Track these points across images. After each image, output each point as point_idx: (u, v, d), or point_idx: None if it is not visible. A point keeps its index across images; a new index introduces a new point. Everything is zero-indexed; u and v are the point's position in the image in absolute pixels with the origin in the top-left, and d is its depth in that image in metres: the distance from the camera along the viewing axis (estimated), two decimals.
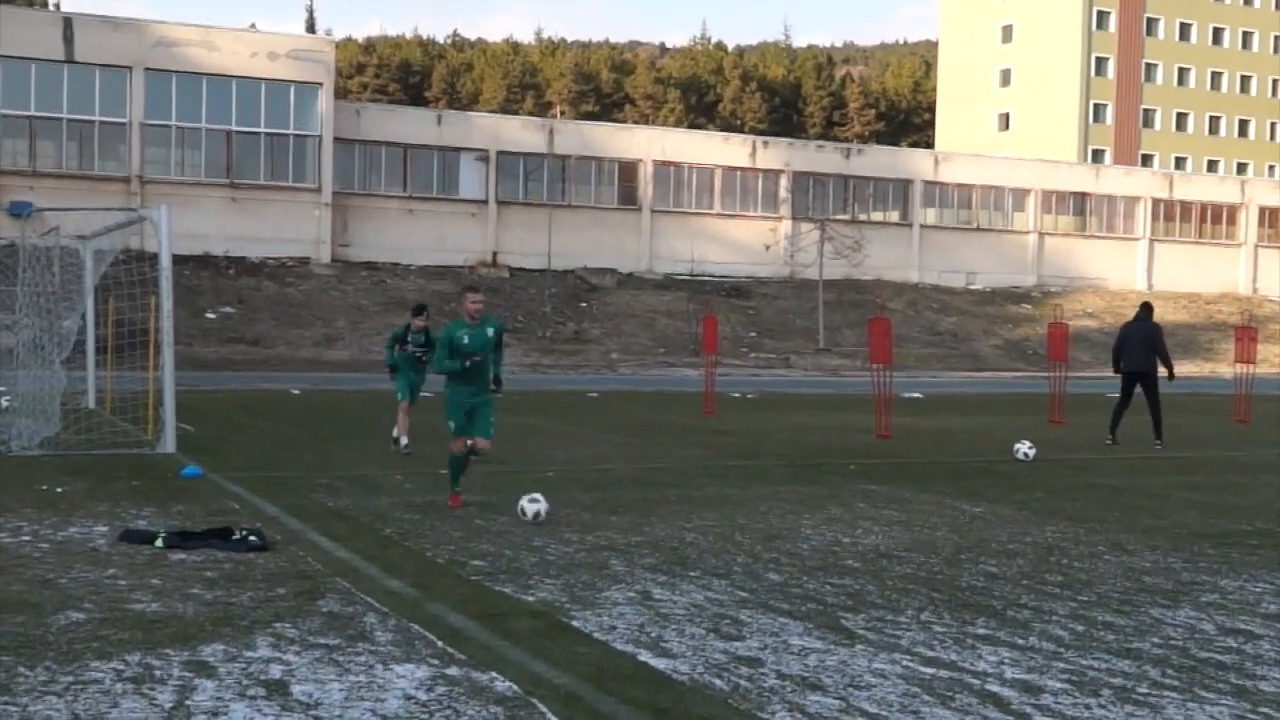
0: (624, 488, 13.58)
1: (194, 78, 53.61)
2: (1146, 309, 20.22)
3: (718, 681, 6.29)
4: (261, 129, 54.92)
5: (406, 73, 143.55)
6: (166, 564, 8.93)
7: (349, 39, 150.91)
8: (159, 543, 9.47)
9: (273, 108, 54.98)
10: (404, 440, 16.36)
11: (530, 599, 8.05)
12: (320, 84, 55.59)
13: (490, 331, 11.58)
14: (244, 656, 6.56)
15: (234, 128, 54.56)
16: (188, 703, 5.77)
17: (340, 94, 73.61)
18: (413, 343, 16.58)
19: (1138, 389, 19.87)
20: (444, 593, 8.19)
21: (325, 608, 7.68)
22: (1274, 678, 6.60)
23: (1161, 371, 19.82)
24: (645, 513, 11.76)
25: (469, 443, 11.67)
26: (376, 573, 8.78)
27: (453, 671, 6.35)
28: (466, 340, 11.45)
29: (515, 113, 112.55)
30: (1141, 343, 19.62)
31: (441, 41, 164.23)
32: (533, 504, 10.95)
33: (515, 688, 6.07)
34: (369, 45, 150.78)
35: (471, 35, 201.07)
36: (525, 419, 23.13)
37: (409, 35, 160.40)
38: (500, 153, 59.46)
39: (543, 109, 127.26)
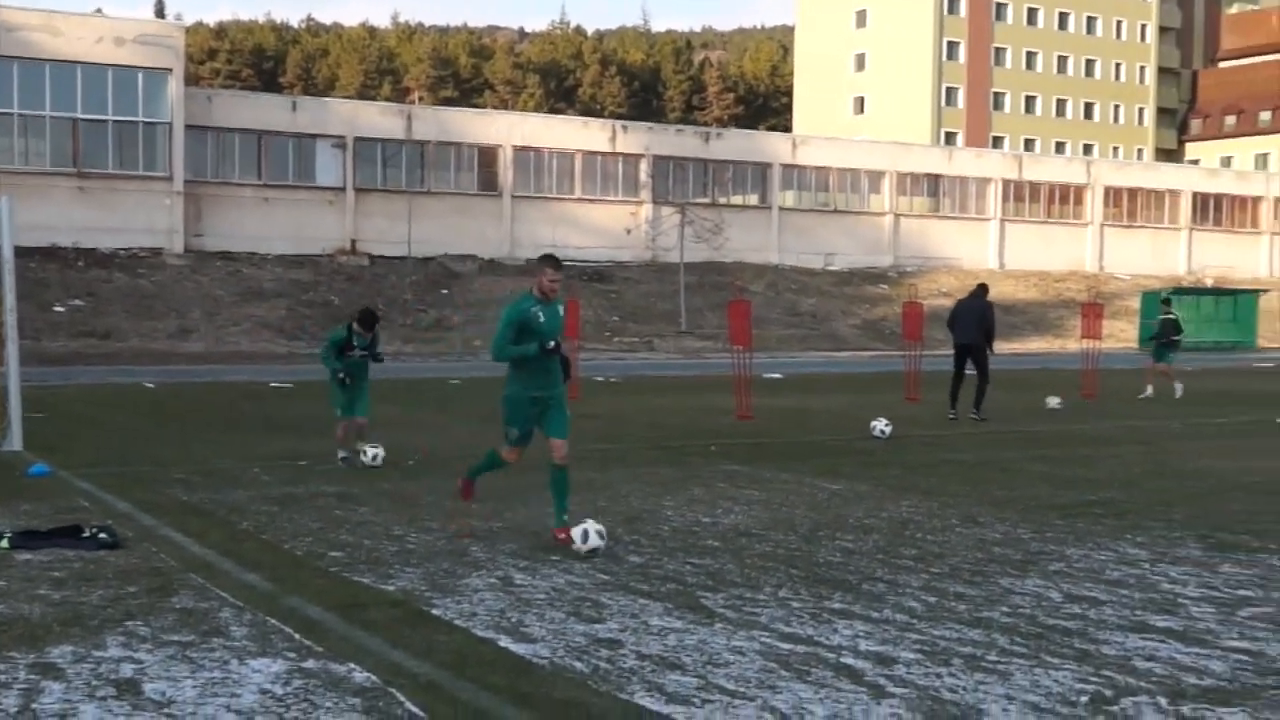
0: (485, 474, 13.50)
1: (37, 64, 51.98)
2: (982, 288, 21.21)
3: (578, 664, 6.32)
4: (109, 116, 53.48)
5: (260, 58, 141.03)
6: (12, 565, 8.68)
7: (199, 24, 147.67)
8: (4, 543, 9.20)
9: (120, 95, 53.54)
10: (342, 453, 14.32)
11: (390, 588, 8.00)
12: (170, 70, 54.28)
13: (560, 312, 9.68)
14: (93, 656, 6.42)
15: (80, 115, 53.02)
16: (34, 706, 5.63)
17: (191, 80, 71.95)
18: (359, 346, 14.23)
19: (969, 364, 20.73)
20: (301, 585, 8.09)
21: (179, 604, 7.54)
22: (1116, 642, 6.82)
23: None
24: (507, 498, 11.74)
25: (544, 448, 9.66)
26: (232, 567, 8.64)
27: (310, 664, 6.29)
28: (543, 319, 9.41)
29: (373, 98, 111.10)
30: (972, 319, 20.47)
31: (296, 26, 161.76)
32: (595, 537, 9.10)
33: (374, 678, 6.03)
34: (220, 30, 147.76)
35: (326, 20, 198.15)
36: (386, 408, 22.89)
37: (262, 20, 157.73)
38: (358, 139, 58.70)
39: (401, 95, 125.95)
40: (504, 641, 6.74)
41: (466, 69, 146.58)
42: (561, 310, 9.71)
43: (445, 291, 56.21)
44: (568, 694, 5.82)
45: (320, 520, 10.53)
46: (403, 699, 5.72)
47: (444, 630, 6.98)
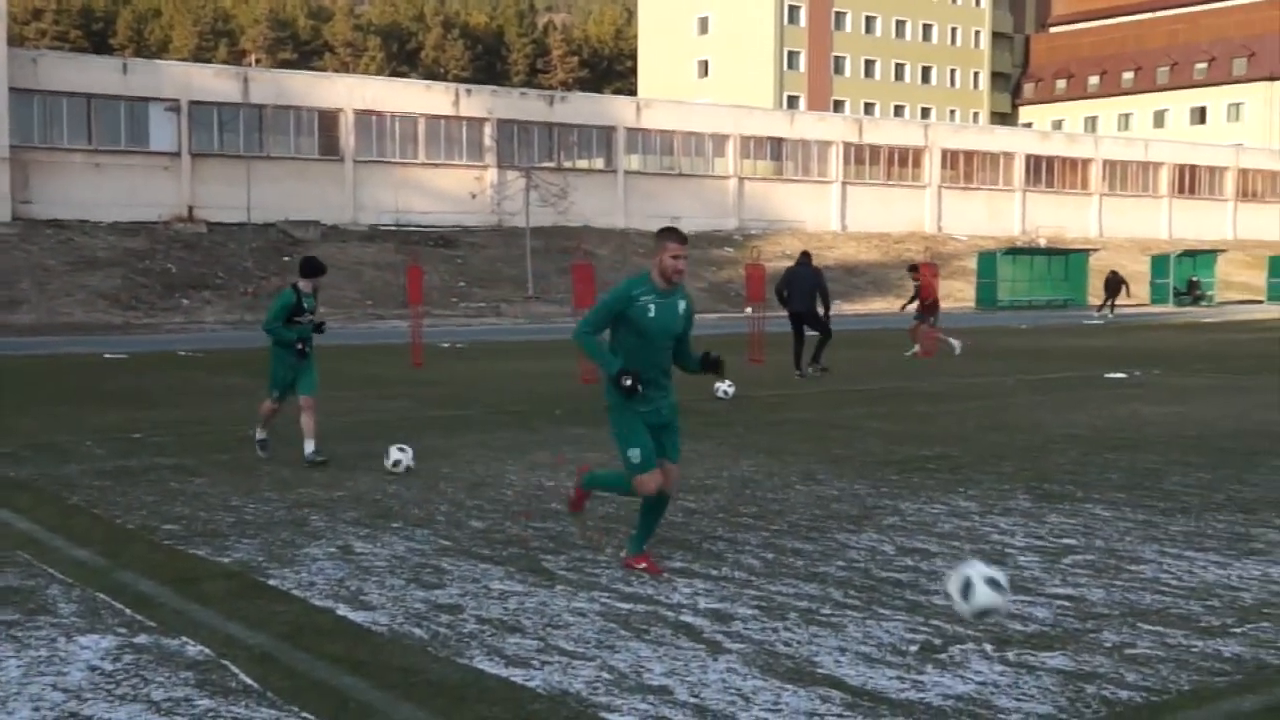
0: (328, 442, 13.31)
1: None
2: (807, 256, 22.00)
3: (417, 630, 6.30)
4: None
5: (89, 19, 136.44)
6: None
7: None
8: None
9: None
10: (261, 434, 12.54)
11: (226, 560, 7.87)
12: None
13: (682, 307, 7.34)
14: None
15: None
16: None
17: (15, 41, 69.32)
18: (309, 308, 12.11)
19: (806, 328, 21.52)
20: (134, 559, 7.91)
21: (3, 582, 7.32)
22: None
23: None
24: (349, 467, 11.62)
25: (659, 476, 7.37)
26: (62, 543, 8.41)
27: (141, 639, 6.16)
28: (653, 313, 7.16)
29: (208, 61, 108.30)
30: (805, 287, 21.26)
31: None
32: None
33: (207, 651, 5.93)
34: None
35: None
36: (226, 378, 22.48)
37: None
38: (193, 103, 57.16)
39: (237, 57, 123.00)
40: (342, 610, 6.69)
41: (305, 31, 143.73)
42: (683, 305, 7.34)
43: (287, 258, 55.17)
44: (406, 660, 5.80)
45: (155, 493, 10.30)
46: (237, 670, 5.64)
47: (281, 601, 6.89)
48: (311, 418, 11.90)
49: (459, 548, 8.19)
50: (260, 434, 12.41)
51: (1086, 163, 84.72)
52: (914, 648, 5.99)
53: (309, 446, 11.77)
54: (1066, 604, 6.77)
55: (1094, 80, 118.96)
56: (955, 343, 26.58)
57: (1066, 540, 8.32)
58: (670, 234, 7.30)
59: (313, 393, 12.03)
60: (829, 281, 22.46)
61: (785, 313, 21.66)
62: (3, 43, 52.81)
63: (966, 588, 5.76)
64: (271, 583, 7.29)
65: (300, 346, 11.96)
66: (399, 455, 11.04)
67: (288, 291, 12.09)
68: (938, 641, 6.08)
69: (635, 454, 7.28)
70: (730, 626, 6.35)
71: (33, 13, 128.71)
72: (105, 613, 6.65)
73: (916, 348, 26.51)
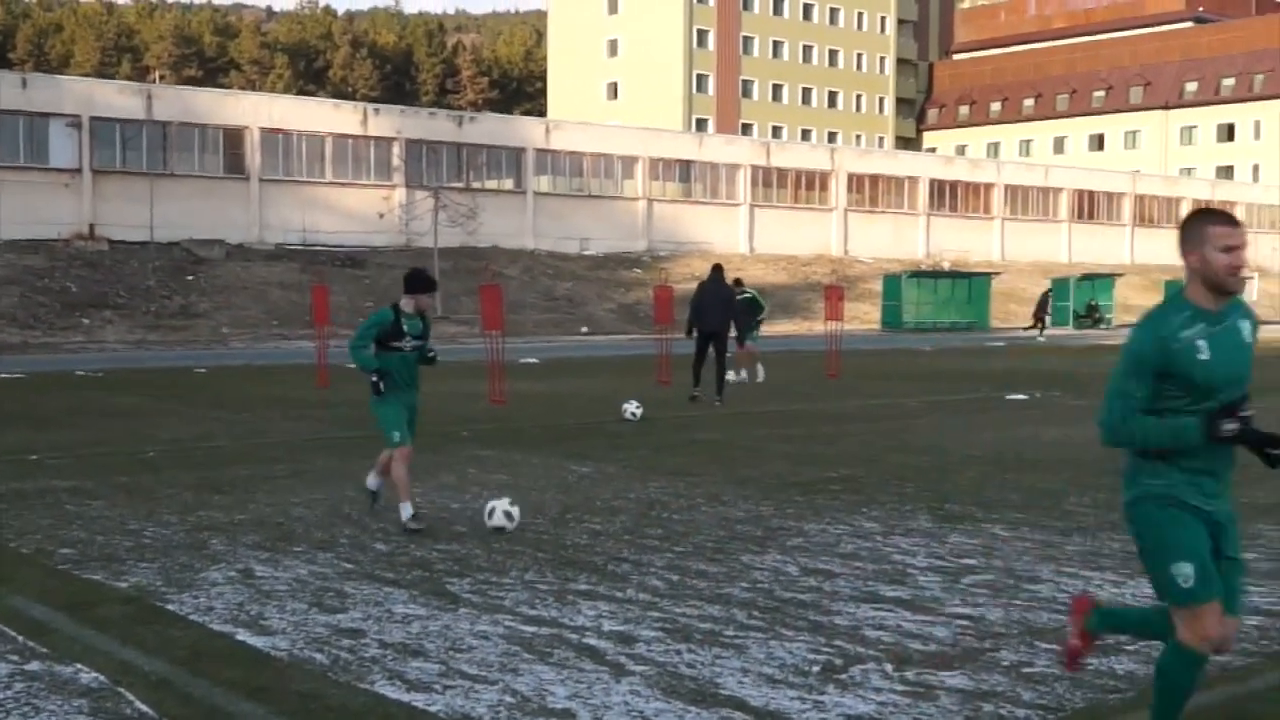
0: (229, 465, 13.19)
1: None
2: (718, 270, 21.26)
3: (318, 655, 6.23)
4: None
5: None
6: None
7: None
8: None
9: None
10: (374, 482, 10.22)
11: (123, 585, 7.73)
12: None
13: (1246, 329, 4.58)
14: None
15: None
16: None
17: None
18: (410, 333, 9.71)
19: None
20: (27, 584, 7.75)
21: None
22: (848, 612, 7.08)
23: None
24: (251, 490, 11.47)
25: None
26: None
27: (34, 666, 6.03)
28: (1207, 355, 4.45)
29: (111, 77, 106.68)
30: (717, 304, 20.41)
31: (26, 0, 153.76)
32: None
33: (102, 678, 5.82)
34: None
35: None
36: (125, 399, 22.10)
37: None
38: (94, 119, 56.20)
39: (141, 74, 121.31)
40: (242, 635, 6.60)
41: (211, 48, 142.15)
42: (1248, 326, 4.61)
43: (191, 277, 54.43)
44: (306, 686, 5.74)
45: (50, 516, 10.09)
46: (132, 698, 5.54)
47: (179, 626, 6.79)
48: (404, 469, 9.64)
49: (362, 571, 8.12)
50: (373, 481, 10.17)
51: (989, 187, 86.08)
52: (816, 668, 6.04)
53: (405, 511, 9.48)
54: (966, 623, 6.86)
55: (996, 106, 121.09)
56: (761, 369, 25.31)
57: (966, 560, 8.43)
58: (1211, 217, 4.53)
59: (409, 440, 9.74)
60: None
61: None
62: None
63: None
64: (170, 607, 7.17)
65: (377, 380, 9.59)
66: (503, 520, 9.24)
67: (385, 310, 9.83)
68: (839, 662, 6.14)
69: (1186, 572, 4.49)
70: (634, 649, 6.36)
71: None
72: None
73: (743, 373, 24.71)
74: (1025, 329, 54.45)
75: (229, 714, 5.36)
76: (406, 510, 9.48)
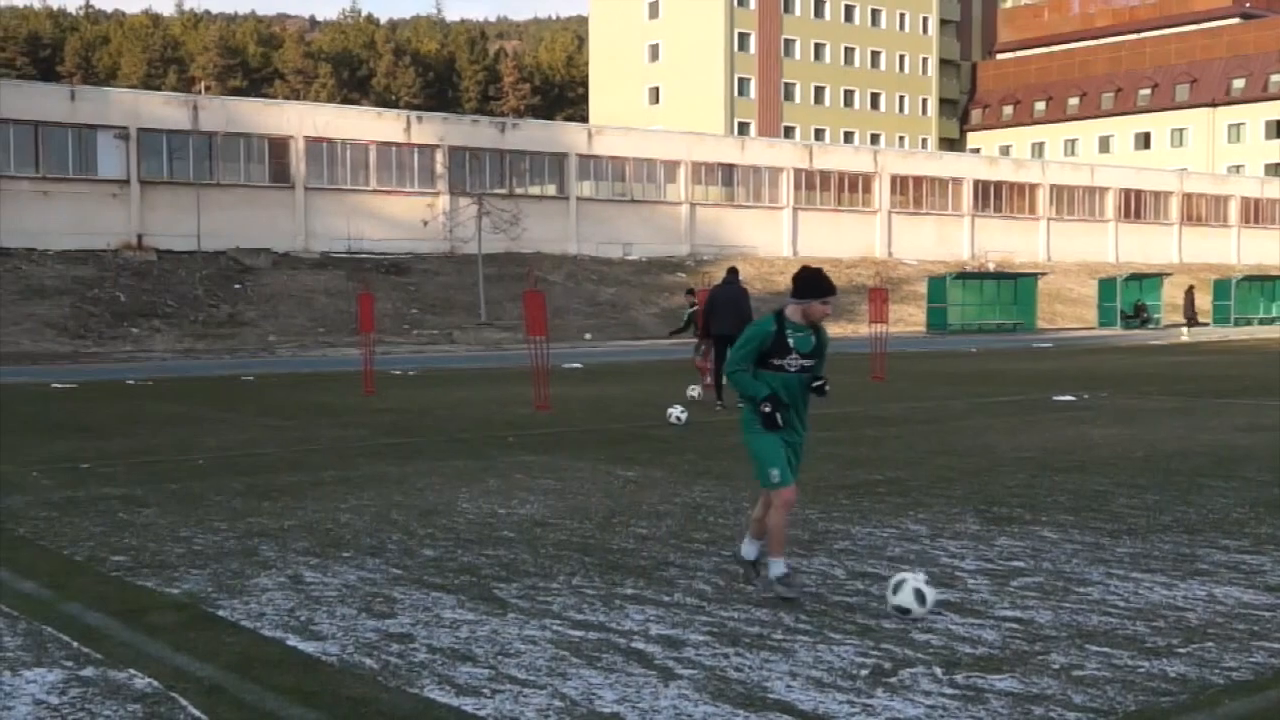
0: (278, 472, 13.29)
1: None
2: (733, 273, 20.93)
3: (368, 660, 6.27)
4: None
5: (36, 46, 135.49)
6: None
7: None
8: None
9: None
10: (749, 550, 7.91)
11: (175, 591, 7.80)
12: None
13: None
14: None
15: None
16: None
17: None
18: (798, 349, 7.65)
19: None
20: (81, 591, 7.84)
21: None
22: (895, 615, 7.05)
23: None
24: (299, 496, 11.55)
25: None
26: (7, 575, 8.31)
27: (88, 672, 6.10)
28: None
29: (157, 88, 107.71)
30: (731, 308, 20.07)
31: (74, 13, 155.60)
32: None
33: (155, 683, 5.88)
34: None
35: (107, 7, 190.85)
36: (175, 407, 22.30)
37: (37, 6, 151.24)
38: (142, 130, 56.78)
39: (186, 84, 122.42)
40: (292, 640, 6.65)
41: (256, 58, 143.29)
42: None
43: (238, 286, 54.88)
44: (356, 691, 5.78)
45: (103, 524, 10.20)
46: (185, 703, 5.59)
47: (230, 632, 6.85)
48: (783, 517, 7.69)
49: (410, 576, 8.16)
50: (749, 549, 7.89)
51: (1034, 187, 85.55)
52: (865, 672, 6.02)
53: (777, 569, 7.53)
54: (1015, 626, 6.83)
55: (1040, 106, 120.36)
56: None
57: (1015, 562, 8.39)
58: None
59: (791, 480, 7.76)
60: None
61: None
62: None
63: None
64: (221, 613, 7.24)
65: (769, 410, 7.54)
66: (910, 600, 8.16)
67: (766, 319, 7.76)
68: (888, 665, 6.12)
69: None
70: (682, 653, 6.36)
71: None
72: (51, 645, 6.58)
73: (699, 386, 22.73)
74: (1183, 324, 57.82)
75: (281, 719, 5.40)
76: (778, 568, 7.51)
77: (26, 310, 48.48)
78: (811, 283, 7.69)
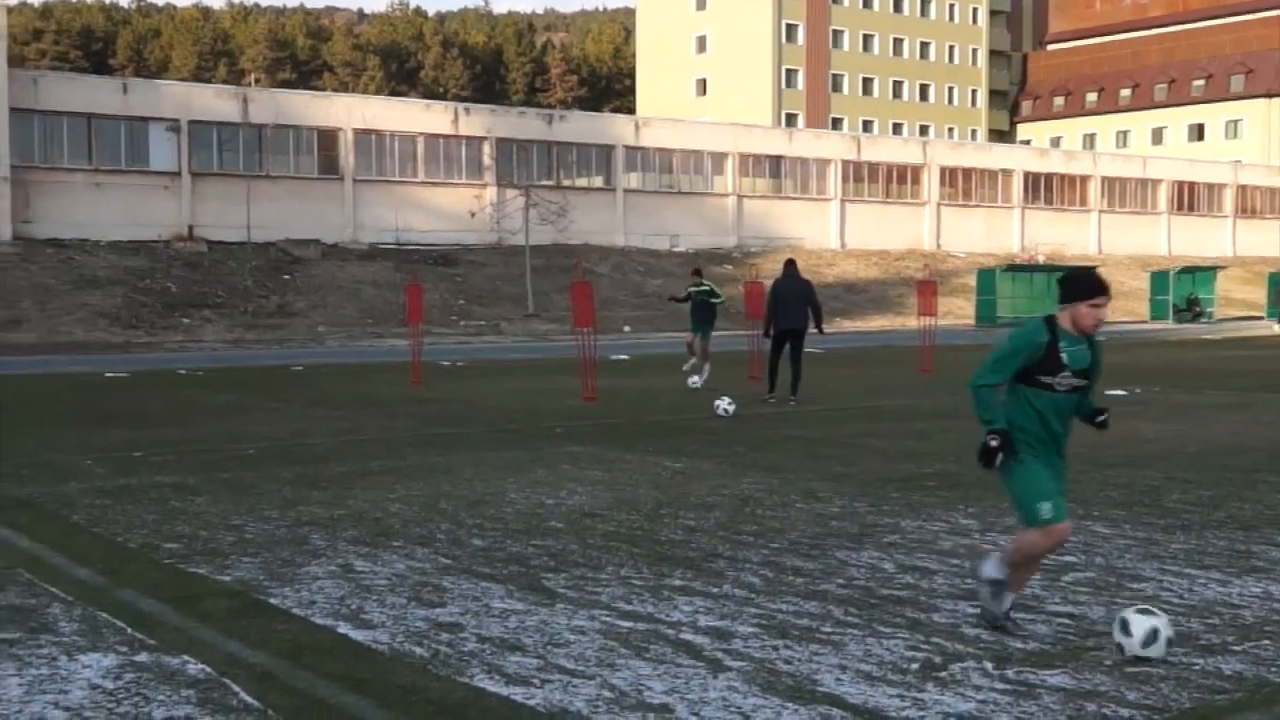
0: (327, 461, 13.37)
1: None
2: (793, 265, 20.29)
3: (418, 649, 6.30)
4: None
5: (88, 39, 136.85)
6: None
7: (24, 3, 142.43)
8: None
9: None
10: (1007, 605, 6.65)
11: (226, 579, 7.87)
12: None
13: None
14: None
15: None
16: None
17: (15, 61, 69.51)
18: (1071, 365, 6.42)
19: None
20: (135, 578, 7.91)
21: (4, 601, 7.31)
22: (946, 609, 7.02)
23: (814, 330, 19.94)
24: (348, 485, 11.61)
25: None
26: (63, 561, 8.41)
27: (142, 658, 6.16)
28: None
29: (208, 81, 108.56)
30: (798, 300, 19.46)
31: (126, 6, 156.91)
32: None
33: (208, 669, 5.94)
34: (46, 10, 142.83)
35: (159, 0, 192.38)
36: (225, 397, 22.48)
37: (90, 0, 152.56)
38: (192, 122, 57.26)
39: (236, 77, 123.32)
40: (343, 628, 6.69)
41: (304, 51, 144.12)
42: None
43: (287, 277, 55.26)
44: (406, 679, 5.80)
45: (156, 512, 10.30)
46: (238, 689, 5.64)
47: (281, 619, 6.89)
48: (1045, 551, 6.64)
49: (459, 566, 8.19)
50: (994, 568, 6.58)
51: (1085, 179, 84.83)
52: (915, 666, 5.99)
53: (1005, 603, 6.63)
54: (1067, 621, 6.77)
55: (1092, 97, 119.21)
56: (707, 369, 23.29)
57: (1067, 558, 8.31)
58: None
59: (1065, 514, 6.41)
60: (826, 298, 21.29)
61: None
62: (3, 63, 52.95)
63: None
64: (272, 601, 7.29)
65: (995, 446, 6.32)
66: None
67: (1035, 324, 6.52)
68: (938, 660, 6.08)
69: None
70: (730, 644, 6.35)
71: (33, 33, 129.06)
72: (106, 631, 6.65)
73: (696, 372, 23.11)
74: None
75: (332, 706, 5.44)
76: (1007, 602, 6.60)
77: (80, 300, 49.01)
78: (1080, 282, 6.45)
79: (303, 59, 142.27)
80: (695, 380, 22.67)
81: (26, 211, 53.60)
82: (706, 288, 24.06)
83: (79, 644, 6.42)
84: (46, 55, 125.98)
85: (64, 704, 5.50)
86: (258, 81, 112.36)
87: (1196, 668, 5.92)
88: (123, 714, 5.36)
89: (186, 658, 6.14)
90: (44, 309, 47.60)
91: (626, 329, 53.40)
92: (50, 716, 5.35)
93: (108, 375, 28.72)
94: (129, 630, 6.66)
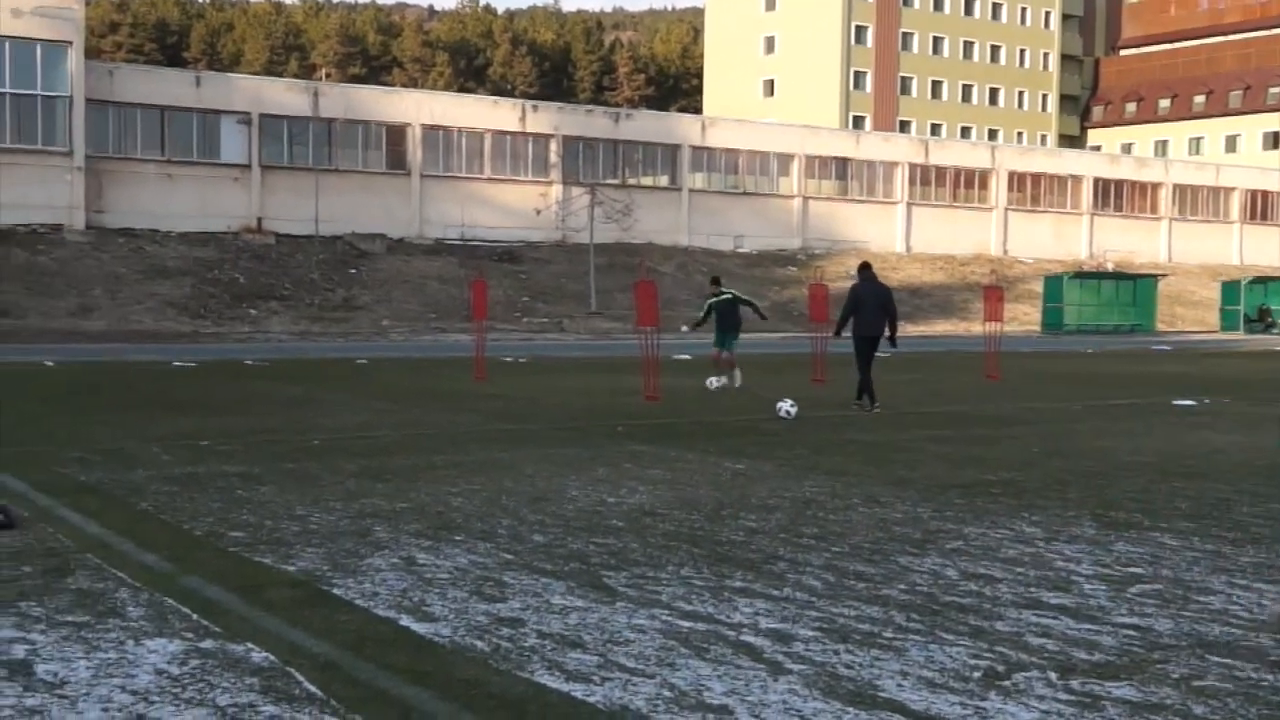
0: (391, 454, 13.46)
1: None
2: (869, 268, 19.76)
3: (479, 643, 6.32)
4: (6, 89, 52.25)
5: (163, 32, 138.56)
6: None
7: None
8: None
9: (18, 67, 52.36)
10: None
11: (291, 569, 7.93)
12: (69, 43, 53.14)
13: None
14: None
15: None
16: None
17: (92, 54, 70.59)
18: None
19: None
20: (201, 565, 8.00)
21: (74, 585, 7.42)
22: (1010, 617, 6.95)
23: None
24: (412, 478, 11.68)
25: None
26: (130, 548, 8.51)
27: (207, 644, 6.23)
28: None
29: (279, 75, 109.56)
30: (877, 305, 18.98)
31: (200, 1, 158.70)
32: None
33: (272, 658, 5.99)
34: (123, 3, 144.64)
35: None
36: (291, 388, 22.69)
37: None
38: (263, 115, 57.91)
39: (307, 71, 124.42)
40: (405, 621, 6.72)
41: (375, 46, 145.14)
42: None
43: (353, 271, 55.71)
44: (467, 673, 5.82)
45: (221, 500, 10.41)
46: (301, 678, 5.68)
47: (344, 610, 6.94)
48: None
49: (521, 561, 8.21)
50: None
51: (1156, 187, 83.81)
52: (977, 674, 5.94)
53: None
54: (1133, 633, 6.69)
55: (1164, 103, 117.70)
56: (738, 373, 23.06)
57: (1133, 569, 8.21)
58: None
59: None
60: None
61: (843, 335, 19.32)
62: (80, 55, 53.77)
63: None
64: (335, 592, 7.34)
65: None
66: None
67: None
68: (1001, 668, 6.03)
69: None
70: (791, 647, 6.32)
71: (109, 26, 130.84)
72: (173, 617, 6.73)
73: (724, 377, 23.04)
74: None
75: (394, 698, 5.47)
76: None
77: (150, 290, 49.68)
78: None
79: (373, 54, 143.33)
80: (714, 381, 22.79)
81: (99, 201, 54.42)
82: (728, 295, 23.45)
83: (145, 629, 6.50)
84: (122, 48, 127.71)
85: (130, 688, 5.56)
86: (328, 76, 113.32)
87: (1265, 684, 5.82)
88: (187, 699, 5.42)
89: (250, 645, 6.20)
90: (114, 298, 48.28)
91: (684, 329, 53.37)
92: (117, 699, 5.42)
93: (175, 364, 29.08)
94: (194, 617, 6.74)
